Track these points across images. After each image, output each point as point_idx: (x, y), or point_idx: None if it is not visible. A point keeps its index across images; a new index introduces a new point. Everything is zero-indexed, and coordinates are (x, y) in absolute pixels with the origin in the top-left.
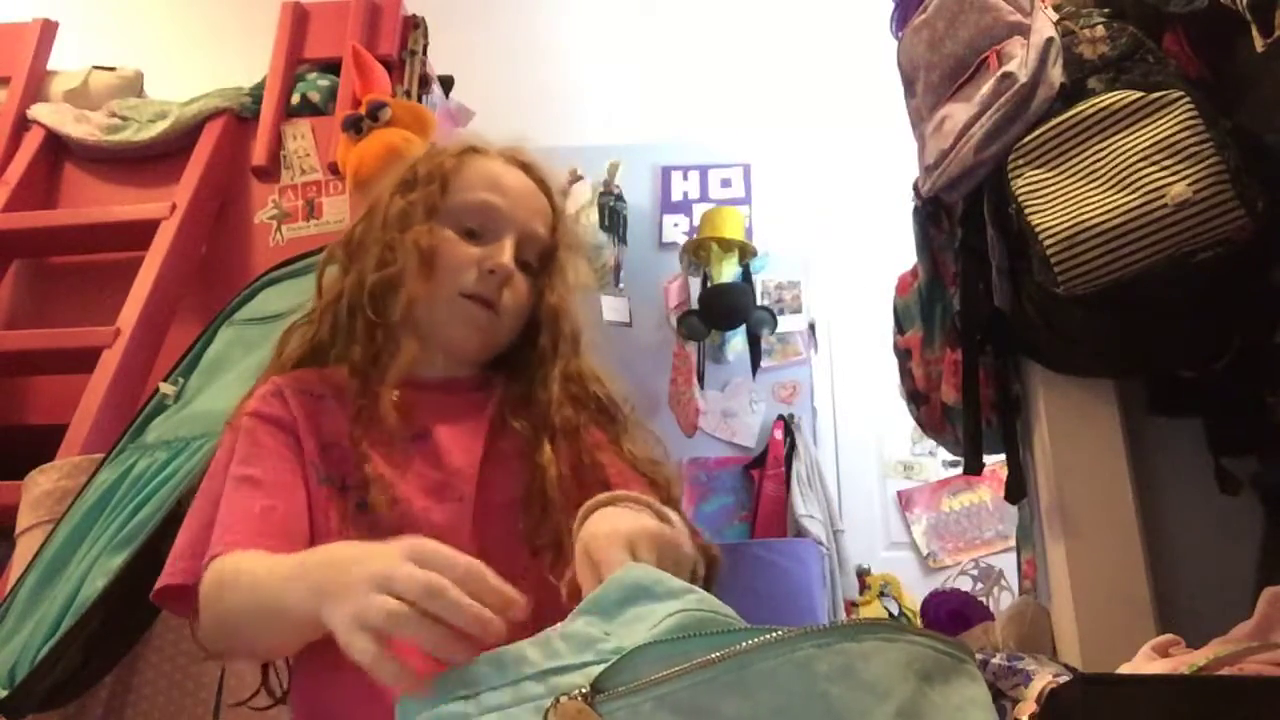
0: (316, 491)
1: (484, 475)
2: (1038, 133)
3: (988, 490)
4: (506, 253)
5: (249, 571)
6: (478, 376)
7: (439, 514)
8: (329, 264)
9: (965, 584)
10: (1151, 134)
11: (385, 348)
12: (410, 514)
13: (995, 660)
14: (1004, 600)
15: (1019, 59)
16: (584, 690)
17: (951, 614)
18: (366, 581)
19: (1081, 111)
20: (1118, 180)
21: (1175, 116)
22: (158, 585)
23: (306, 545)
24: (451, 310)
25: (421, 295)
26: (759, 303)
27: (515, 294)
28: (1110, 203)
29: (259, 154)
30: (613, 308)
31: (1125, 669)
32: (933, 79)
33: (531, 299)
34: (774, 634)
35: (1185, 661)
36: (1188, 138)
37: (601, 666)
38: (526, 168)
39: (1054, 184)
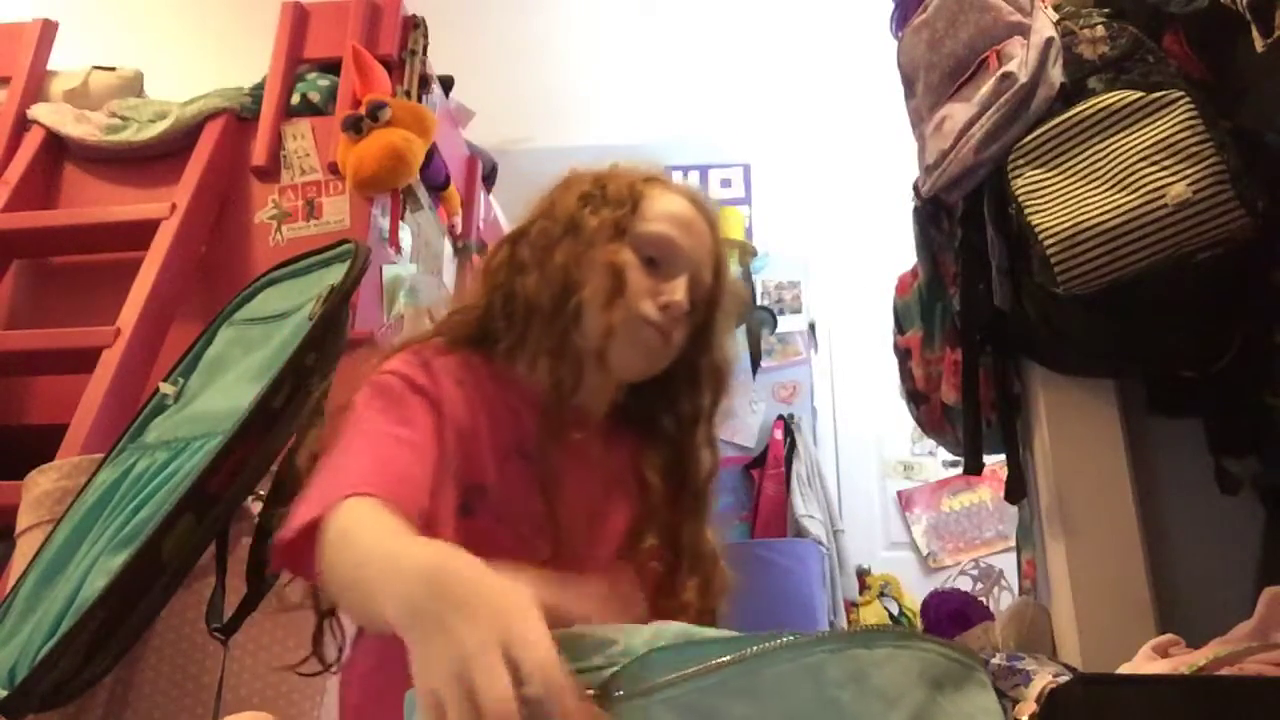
0: (440, 474)
1: (592, 532)
2: (1038, 133)
3: (988, 490)
4: (682, 291)
5: (357, 537)
6: (608, 419)
7: (535, 549)
8: (497, 252)
9: (965, 584)
10: (1151, 134)
11: (571, 366)
12: (506, 540)
13: (995, 660)
14: (1004, 600)
15: (1019, 59)
16: (593, 692)
17: (951, 614)
18: (478, 647)
19: (1081, 111)
20: (1118, 180)
21: (1175, 116)
22: (288, 528)
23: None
24: (629, 331)
25: (612, 318)
26: (759, 303)
27: (680, 334)
28: (1110, 203)
29: (259, 154)
30: None
31: (1125, 669)
32: (933, 79)
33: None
34: (784, 639)
35: (1185, 661)
36: (1188, 138)
37: (611, 670)
38: (705, 212)
39: (1054, 184)
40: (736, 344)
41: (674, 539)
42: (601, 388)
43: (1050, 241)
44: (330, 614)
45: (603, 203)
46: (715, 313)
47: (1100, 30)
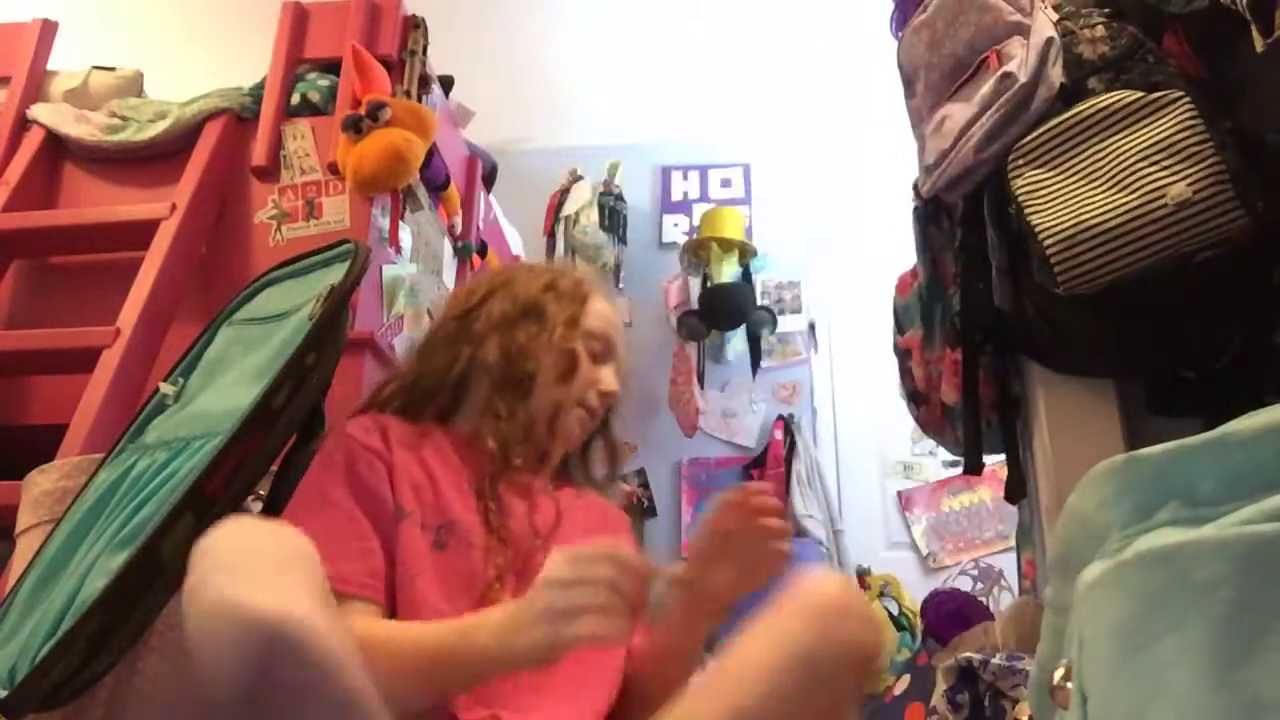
0: (396, 526)
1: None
2: (1038, 133)
3: (988, 490)
4: (612, 381)
5: (400, 637)
6: (555, 475)
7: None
8: (444, 329)
9: (965, 584)
10: (1151, 134)
11: (516, 430)
12: (478, 561)
13: (995, 660)
14: (1004, 600)
15: (1019, 59)
16: None
17: (951, 614)
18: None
19: (1081, 111)
20: (1118, 180)
21: (1175, 116)
22: None
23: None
24: (576, 415)
25: (560, 397)
26: (759, 303)
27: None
28: (1110, 203)
29: (259, 154)
30: None
31: None
32: (933, 79)
33: None
34: None
35: None
36: (1188, 138)
37: None
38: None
39: (1054, 184)
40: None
41: None
42: (547, 448)
43: (1050, 241)
44: None
45: (560, 295)
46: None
47: (1100, 30)
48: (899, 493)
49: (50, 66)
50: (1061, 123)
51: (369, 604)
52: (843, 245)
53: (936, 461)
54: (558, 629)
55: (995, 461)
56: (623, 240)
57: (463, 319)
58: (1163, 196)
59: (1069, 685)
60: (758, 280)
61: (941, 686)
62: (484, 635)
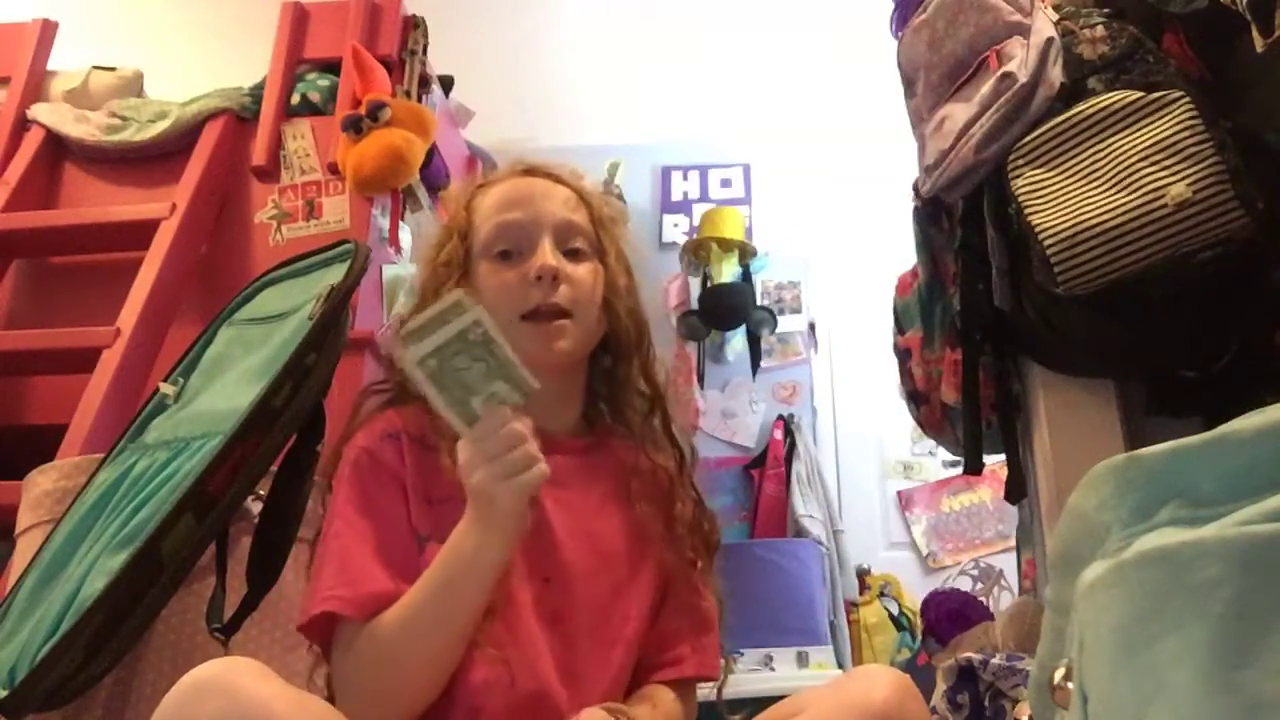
0: (420, 556)
1: (591, 551)
2: (1038, 133)
3: (988, 490)
4: (543, 253)
5: (398, 609)
6: (575, 431)
7: (528, 582)
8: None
9: (965, 584)
10: (1151, 134)
11: None
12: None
13: (995, 660)
14: (1004, 600)
15: (1019, 59)
16: None
17: (951, 614)
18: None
19: (1081, 112)
20: (1118, 180)
21: (1175, 116)
22: (311, 612)
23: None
24: (520, 336)
25: None
26: (759, 303)
27: (576, 285)
28: (1110, 203)
29: (259, 154)
30: None
31: None
32: (932, 79)
33: (601, 284)
34: None
35: None
36: (1188, 138)
37: None
38: (535, 170)
39: (1054, 184)
40: (634, 249)
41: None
42: (544, 407)
43: (1050, 241)
44: None
45: (442, 243)
46: (604, 238)
47: (1100, 30)
48: (899, 493)
49: (50, 66)
50: (1061, 123)
51: None
52: (843, 245)
53: (936, 461)
54: (512, 482)
55: (995, 461)
56: None
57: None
58: (1163, 196)
59: (1069, 685)
60: (758, 280)
61: (941, 686)
62: (463, 539)
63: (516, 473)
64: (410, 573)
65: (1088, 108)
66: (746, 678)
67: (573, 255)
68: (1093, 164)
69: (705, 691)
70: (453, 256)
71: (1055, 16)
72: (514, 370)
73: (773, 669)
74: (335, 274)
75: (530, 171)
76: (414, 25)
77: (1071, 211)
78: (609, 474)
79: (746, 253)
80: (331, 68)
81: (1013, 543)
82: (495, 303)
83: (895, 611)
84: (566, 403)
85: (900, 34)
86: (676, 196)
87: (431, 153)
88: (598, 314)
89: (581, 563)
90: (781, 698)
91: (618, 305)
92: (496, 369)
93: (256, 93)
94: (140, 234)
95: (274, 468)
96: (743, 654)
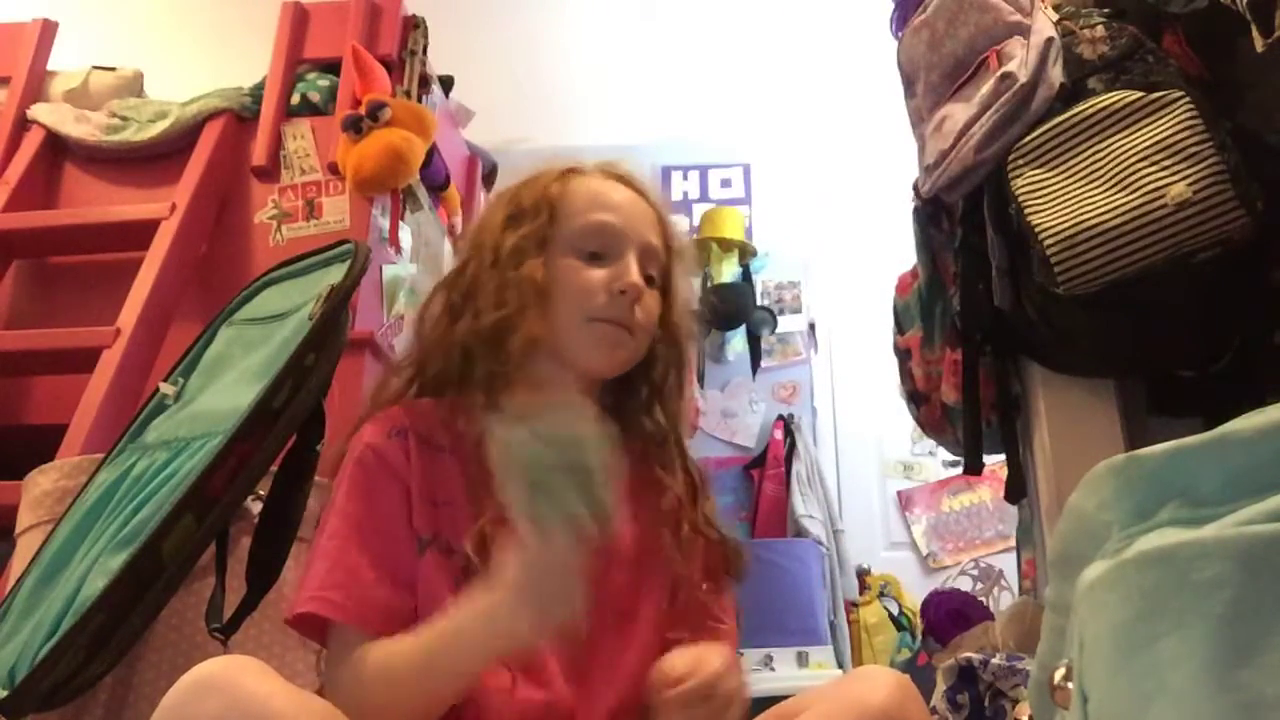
0: (419, 561)
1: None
2: (1038, 133)
3: (988, 490)
4: (633, 271)
5: (408, 650)
6: None
7: None
8: (431, 302)
9: (965, 584)
10: (1151, 134)
11: (504, 394)
12: None
13: (995, 660)
14: (1004, 600)
15: (1019, 59)
16: None
17: (951, 614)
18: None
19: (1081, 111)
20: (1118, 180)
21: (1175, 116)
22: (296, 610)
23: (410, 604)
24: (584, 336)
25: (542, 334)
26: (759, 303)
27: (646, 311)
28: (1110, 203)
29: (259, 154)
30: None
31: None
32: (932, 79)
33: (658, 315)
34: None
35: None
36: (1188, 138)
37: None
38: (627, 180)
39: (1054, 184)
40: (694, 296)
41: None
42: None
43: (1050, 241)
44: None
45: (520, 219)
46: (672, 272)
47: (1100, 30)
48: (899, 493)
49: (50, 66)
50: (1061, 123)
51: (368, 639)
52: (843, 245)
53: (936, 461)
54: (548, 610)
55: (995, 461)
56: None
57: (448, 289)
58: (1163, 196)
59: (1069, 685)
60: (758, 280)
61: (941, 686)
62: (480, 620)
63: (558, 604)
64: (407, 579)
65: (1088, 108)
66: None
67: (646, 281)
68: (1093, 164)
69: None
70: (539, 234)
71: (1055, 16)
72: (605, 509)
73: (773, 669)
74: (335, 274)
75: (623, 179)
76: (414, 25)
77: (1071, 211)
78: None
79: (746, 253)
80: (331, 68)
81: (1013, 543)
82: (573, 298)
83: (895, 611)
84: None
85: (900, 34)
86: (676, 196)
87: (431, 153)
88: (647, 343)
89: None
90: (782, 698)
91: (668, 338)
92: (589, 500)
93: (256, 93)
94: (140, 234)
95: (274, 468)
96: (743, 654)
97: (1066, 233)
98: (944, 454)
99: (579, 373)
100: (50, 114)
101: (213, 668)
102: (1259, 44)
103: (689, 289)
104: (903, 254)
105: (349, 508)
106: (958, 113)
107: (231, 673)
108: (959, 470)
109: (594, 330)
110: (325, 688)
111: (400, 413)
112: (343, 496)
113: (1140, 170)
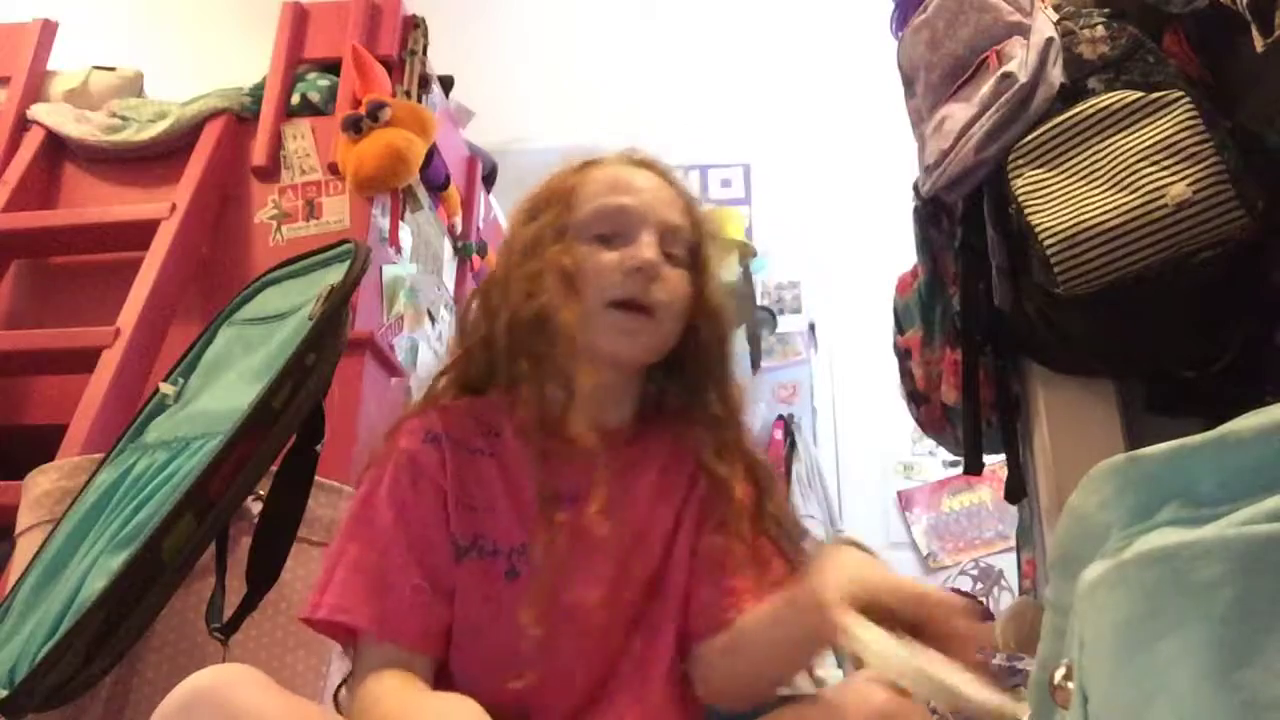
0: (456, 567)
1: (629, 546)
2: (1038, 133)
3: (988, 490)
4: (646, 247)
5: (385, 709)
6: (631, 426)
7: (589, 590)
8: (469, 307)
9: (965, 584)
10: (1151, 134)
11: (552, 384)
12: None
13: (995, 660)
14: (1004, 600)
15: (1019, 59)
16: None
17: None
18: None
19: (1081, 111)
20: (1118, 180)
21: (1175, 116)
22: (326, 616)
23: (446, 614)
24: (602, 324)
25: (575, 318)
26: (759, 303)
27: (668, 289)
28: (1110, 203)
29: (259, 154)
30: None
31: None
32: (932, 79)
33: (689, 295)
34: None
35: None
36: (1188, 138)
37: None
38: (648, 165)
39: (1054, 184)
40: (732, 273)
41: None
42: (611, 392)
43: (1050, 241)
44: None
45: (537, 211)
46: (701, 250)
47: (1100, 30)
48: (899, 493)
49: (50, 66)
50: (1061, 123)
51: (401, 654)
52: (843, 245)
53: (936, 461)
54: None
55: (995, 461)
56: None
57: (485, 293)
58: (1163, 196)
59: (1069, 685)
60: (758, 280)
61: None
62: None
63: None
64: (445, 587)
65: (1088, 108)
66: None
67: (668, 259)
68: (1093, 164)
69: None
70: (556, 222)
71: (1055, 16)
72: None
73: None
74: (335, 274)
75: (644, 164)
76: (414, 25)
77: (1071, 211)
78: (657, 468)
79: (746, 253)
80: (331, 68)
81: (1013, 543)
82: (590, 283)
83: None
84: (622, 400)
85: (900, 34)
86: None
87: (431, 153)
88: (676, 325)
89: (621, 560)
90: (781, 698)
91: (707, 315)
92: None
93: (256, 93)
94: (140, 234)
95: (274, 468)
96: None
97: (1066, 233)
98: (944, 454)
99: (609, 362)
100: (50, 114)
101: (206, 680)
102: (1259, 44)
103: (721, 267)
104: (903, 254)
105: (386, 515)
106: (958, 113)
107: (224, 686)
108: (959, 470)
109: (610, 319)
110: (349, 698)
111: (435, 417)
112: (381, 502)
113: (1140, 170)
